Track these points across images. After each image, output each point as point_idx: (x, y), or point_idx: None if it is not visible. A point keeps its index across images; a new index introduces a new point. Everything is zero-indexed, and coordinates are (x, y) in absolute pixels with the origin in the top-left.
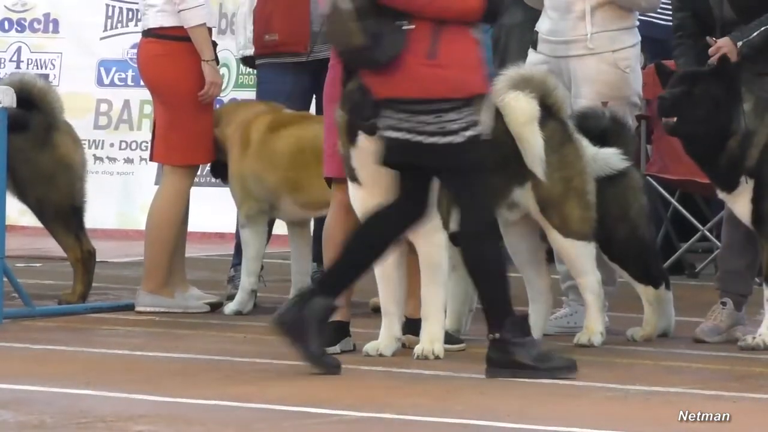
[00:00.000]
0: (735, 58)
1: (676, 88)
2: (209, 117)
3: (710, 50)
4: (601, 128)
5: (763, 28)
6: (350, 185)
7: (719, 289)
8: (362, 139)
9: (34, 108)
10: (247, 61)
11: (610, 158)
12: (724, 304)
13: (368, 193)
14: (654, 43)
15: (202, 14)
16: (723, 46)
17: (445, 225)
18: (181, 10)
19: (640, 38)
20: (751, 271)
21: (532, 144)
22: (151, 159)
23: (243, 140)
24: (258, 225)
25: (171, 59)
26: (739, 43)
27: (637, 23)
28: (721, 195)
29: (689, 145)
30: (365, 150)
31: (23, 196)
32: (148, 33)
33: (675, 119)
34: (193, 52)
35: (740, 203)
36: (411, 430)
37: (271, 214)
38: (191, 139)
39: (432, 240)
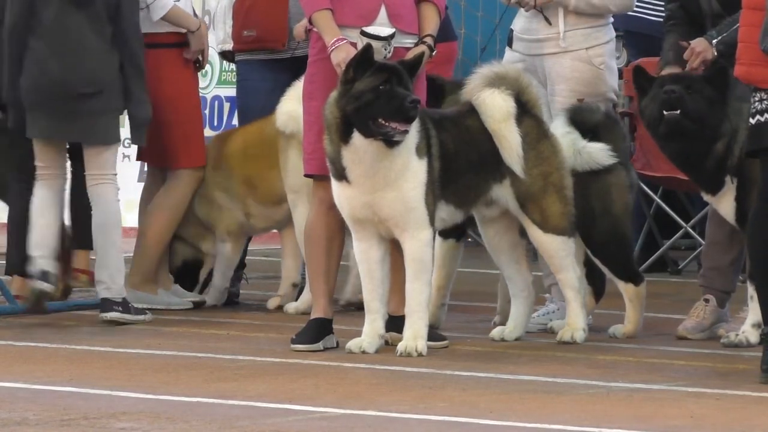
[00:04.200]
0: (711, 56)
1: (673, 86)
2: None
3: (685, 55)
4: (593, 122)
5: (737, 26)
6: (335, 184)
7: (702, 286)
8: (357, 136)
9: None
10: (226, 55)
11: (595, 153)
12: (707, 301)
13: (357, 191)
14: (642, 39)
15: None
16: (697, 47)
17: (431, 221)
18: (149, 5)
19: (614, 34)
20: (735, 268)
21: (510, 140)
22: (174, 166)
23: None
24: (238, 241)
25: (150, 68)
26: (714, 41)
27: (611, 20)
28: (706, 197)
29: (678, 146)
30: (360, 148)
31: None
32: None
33: (679, 112)
34: (173, 57)
35: (724, 203)
36: (394, 427)
37: (248, 226)
38: (190, 141)
39: (417, 236)
